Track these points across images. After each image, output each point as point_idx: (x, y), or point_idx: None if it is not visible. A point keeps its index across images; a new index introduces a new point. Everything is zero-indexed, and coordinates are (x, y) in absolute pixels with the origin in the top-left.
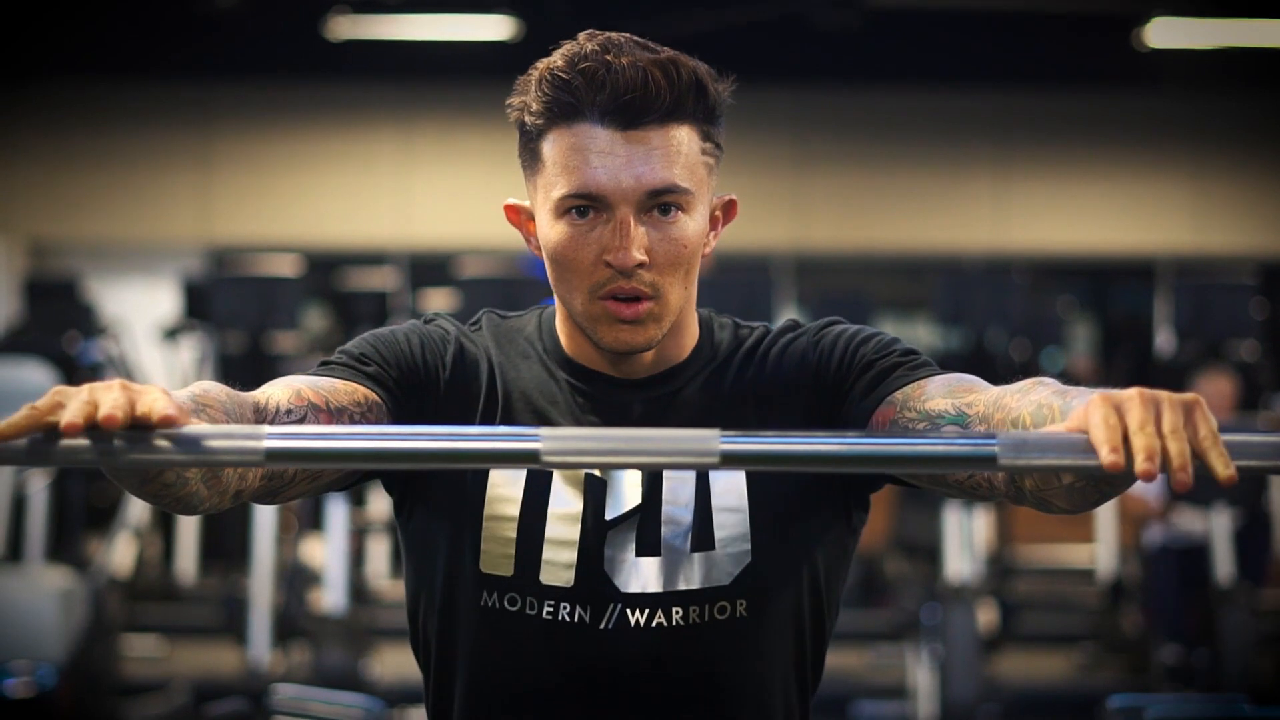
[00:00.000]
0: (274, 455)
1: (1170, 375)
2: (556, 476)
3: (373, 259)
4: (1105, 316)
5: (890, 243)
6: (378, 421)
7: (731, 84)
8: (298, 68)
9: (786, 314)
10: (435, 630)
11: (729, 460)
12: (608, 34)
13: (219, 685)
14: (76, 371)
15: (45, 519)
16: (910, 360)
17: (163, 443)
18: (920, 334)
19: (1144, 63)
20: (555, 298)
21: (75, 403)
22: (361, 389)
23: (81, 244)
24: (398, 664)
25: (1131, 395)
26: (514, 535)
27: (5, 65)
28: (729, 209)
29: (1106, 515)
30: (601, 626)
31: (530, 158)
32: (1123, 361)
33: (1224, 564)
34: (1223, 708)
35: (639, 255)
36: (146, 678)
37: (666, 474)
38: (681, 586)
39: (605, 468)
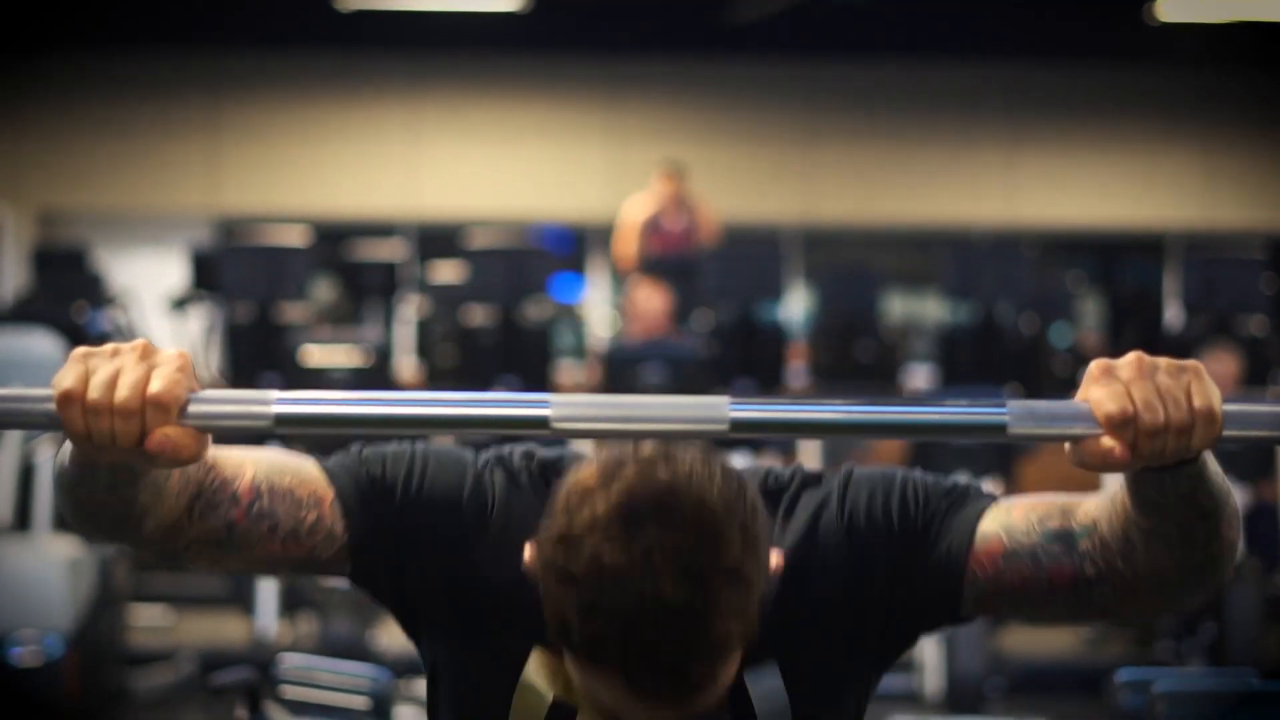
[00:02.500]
0: (283, 420)
1: (1179, 350)
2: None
3: (381, 230)
4: (1114, 291)
5: (899, 216)
6: (305, 546)
7: (776, 553)
8: (307, 38)
9: (794, 286)
10: None
11: (739, 426)
12: (641, 551)
13: (226, 655)
14: (85, 341)
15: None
16: (960, 492)
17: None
18: (929, 307)
19: (1155, 37)
20: None
21: (100, 443)
22: (325, 522)
23: (90, 214)
24: (404, 635)
25: (1130, 387)
26: None
27: (14, 36)
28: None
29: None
30: None
31: (555, 631)
32: (1131, 336)
33: None
34: (1231, 682)
35: None
36: (153, 647)
37: None
38: None
39: (616, 436)
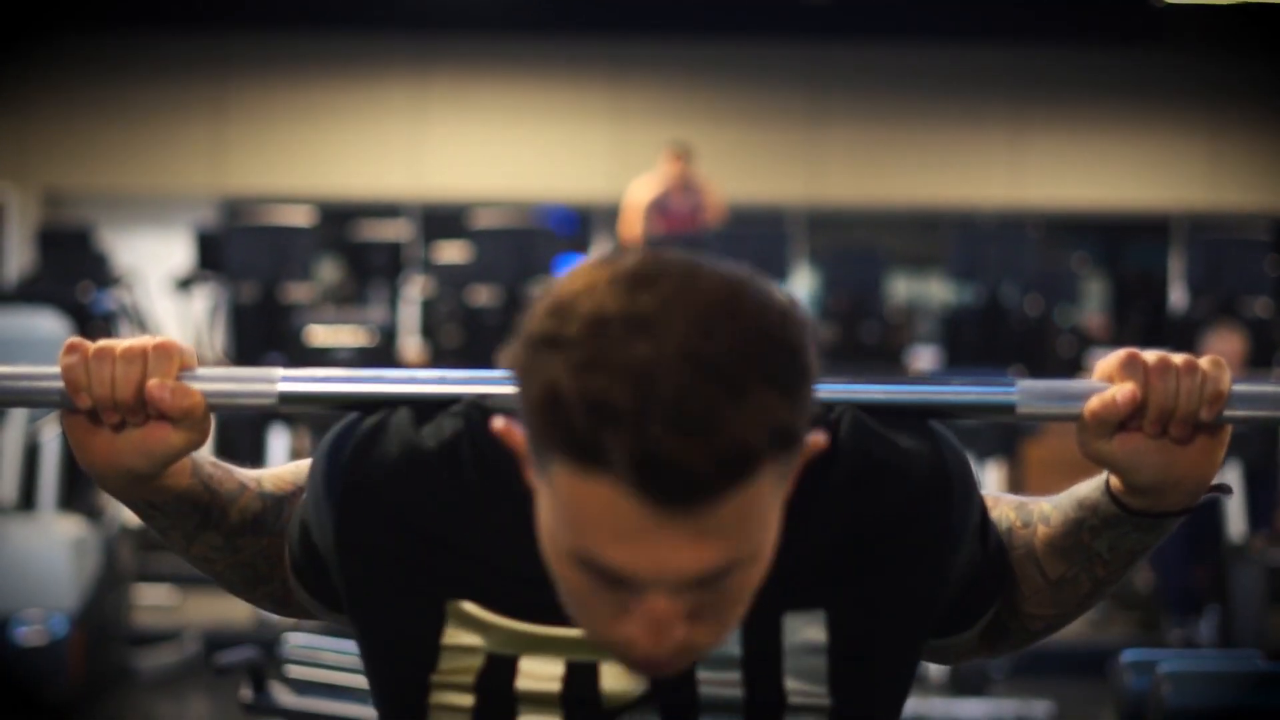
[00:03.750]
0: (288, 398)
1: (1183, 331)
2: (528, 657)
3: (386, 210)
4: (1119, 272)
5: (904, 197)
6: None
7: (821, 348)
8: (312, 18)
9: (799, 267)
10: None
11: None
12: (659, 301)
13: (230, 634)
14: (90, 321)
15: (58, 467)
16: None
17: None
18: (934, 289)
19: (1160, 18)
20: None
21: (99, 393)
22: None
23: (96, 194)
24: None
25: (1152, 366)
26: None
27: (21, 17)
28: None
29: None
30: None
31: (538, 448)
32: (1136, 318)
33: (1235, 520)
34: (1236, 663)
35: (677, 635)
36: (158, 627)
37: None
38: None
39: None
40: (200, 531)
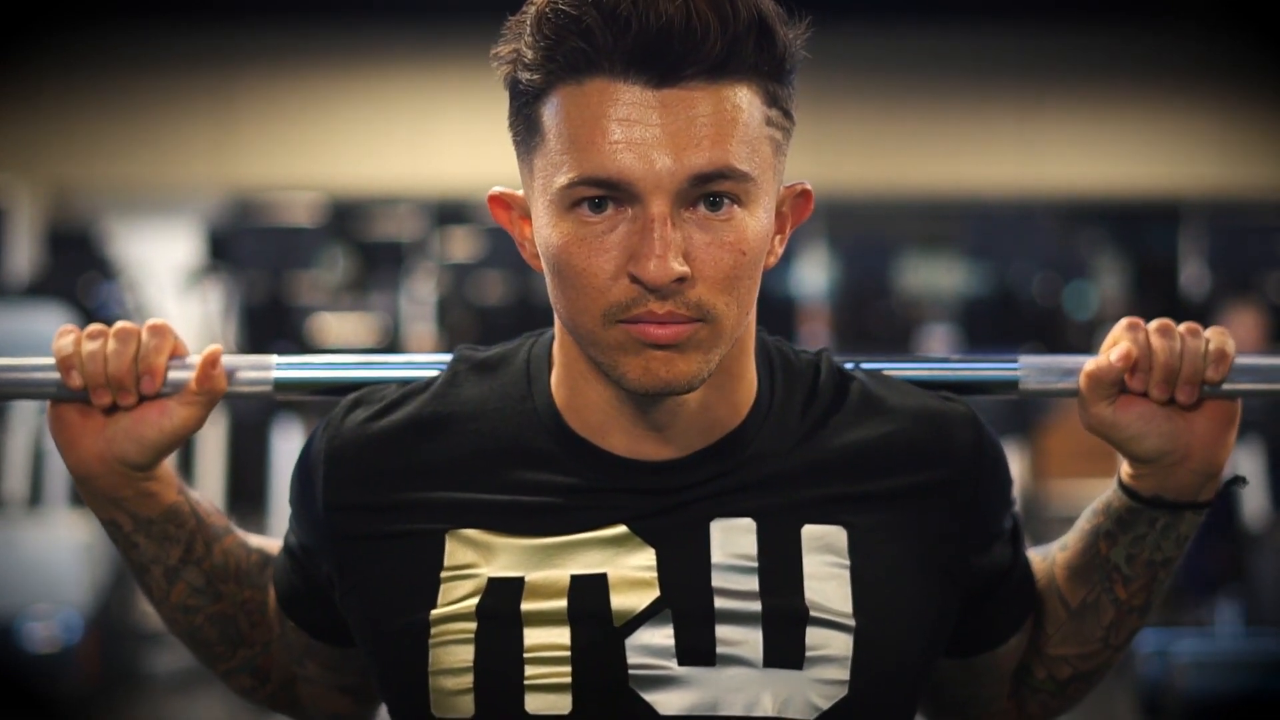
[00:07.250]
0: (283, 385)
1: (1199, 313)
2: (532, 575)
3: (396, 202)
4: (1132, 255)
5: (915, 181)
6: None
7: (805, 30)
8: (320, 7)
9: (811, 254)
10: None
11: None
12: None
13: None
14: (95, 318)
15: None
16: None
17: (177, 374)
18: (946, 274)
19: None
20: (556, 326)
21: (90, 369)
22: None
23: (103, 187)
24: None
25: (1153, 326)
26: (470, 660)
27: (26, 10)
28: (801, 203)
29: None
30: None
31: (525, 129)
32: (1151, 300)
33: (1253, 499)
34: (1253, 645)
35: (678, 266)
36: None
37: (714, 555)
38: (740, 713)
39: None
40: (183, 567)
